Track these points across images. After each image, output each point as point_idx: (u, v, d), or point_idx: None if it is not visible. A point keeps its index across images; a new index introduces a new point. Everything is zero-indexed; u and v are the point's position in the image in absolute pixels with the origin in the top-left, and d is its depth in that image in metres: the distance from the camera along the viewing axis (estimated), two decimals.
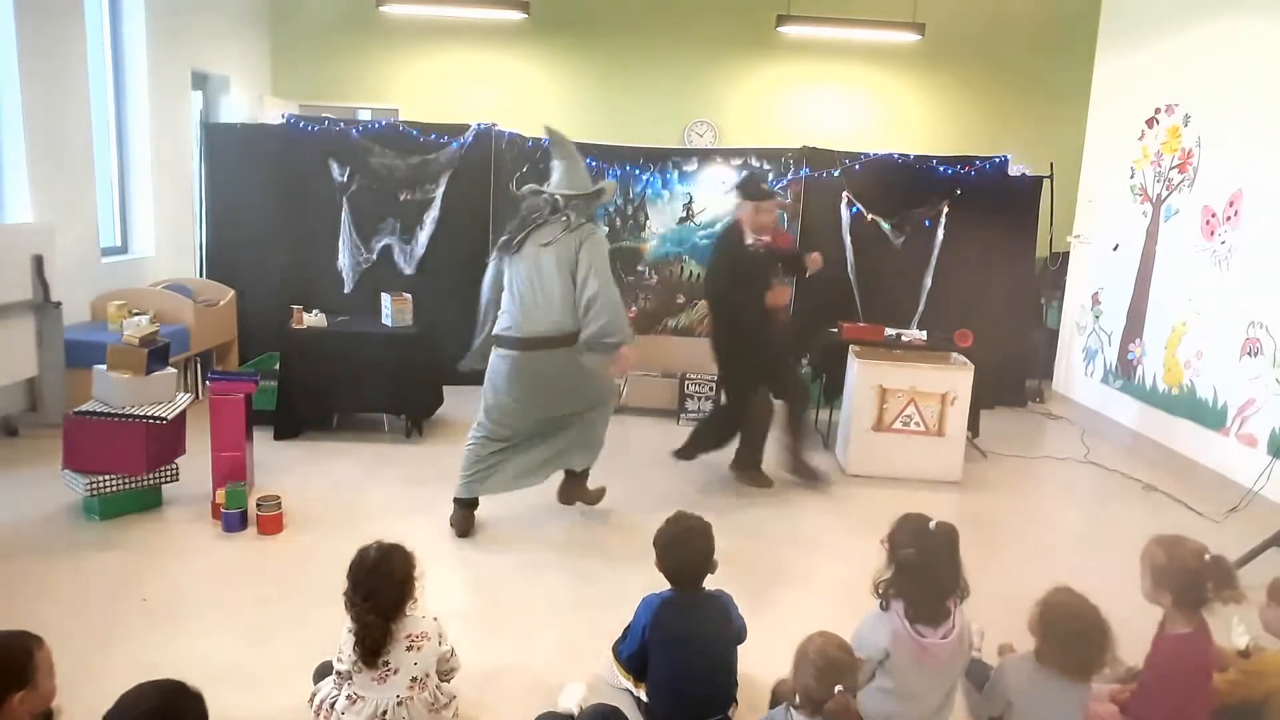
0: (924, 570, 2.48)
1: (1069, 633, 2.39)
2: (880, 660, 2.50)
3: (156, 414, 4.16)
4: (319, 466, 4.98)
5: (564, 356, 3.97)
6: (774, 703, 2.65)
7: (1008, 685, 2.49)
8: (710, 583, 2.83)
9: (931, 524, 2.53)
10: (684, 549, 2.78)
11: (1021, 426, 6.62)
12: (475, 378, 6.75)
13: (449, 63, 9.16)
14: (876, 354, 5.41)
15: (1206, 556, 2.52)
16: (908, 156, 7.10)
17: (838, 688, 2.15)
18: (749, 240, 4.80)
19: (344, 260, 6.83)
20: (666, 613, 2.72)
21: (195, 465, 4.39)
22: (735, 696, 2.78)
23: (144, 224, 6.87)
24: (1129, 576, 2.74)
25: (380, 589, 2.44)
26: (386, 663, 2.45)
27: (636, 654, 2.78)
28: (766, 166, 7.21)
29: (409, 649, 2.48)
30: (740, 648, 2.83)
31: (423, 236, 6.82)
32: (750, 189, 4.91)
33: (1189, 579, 2.50)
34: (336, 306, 6.13)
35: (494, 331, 4.10)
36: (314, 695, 2.59)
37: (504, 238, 4.10)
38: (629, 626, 2.88)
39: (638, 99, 9.05)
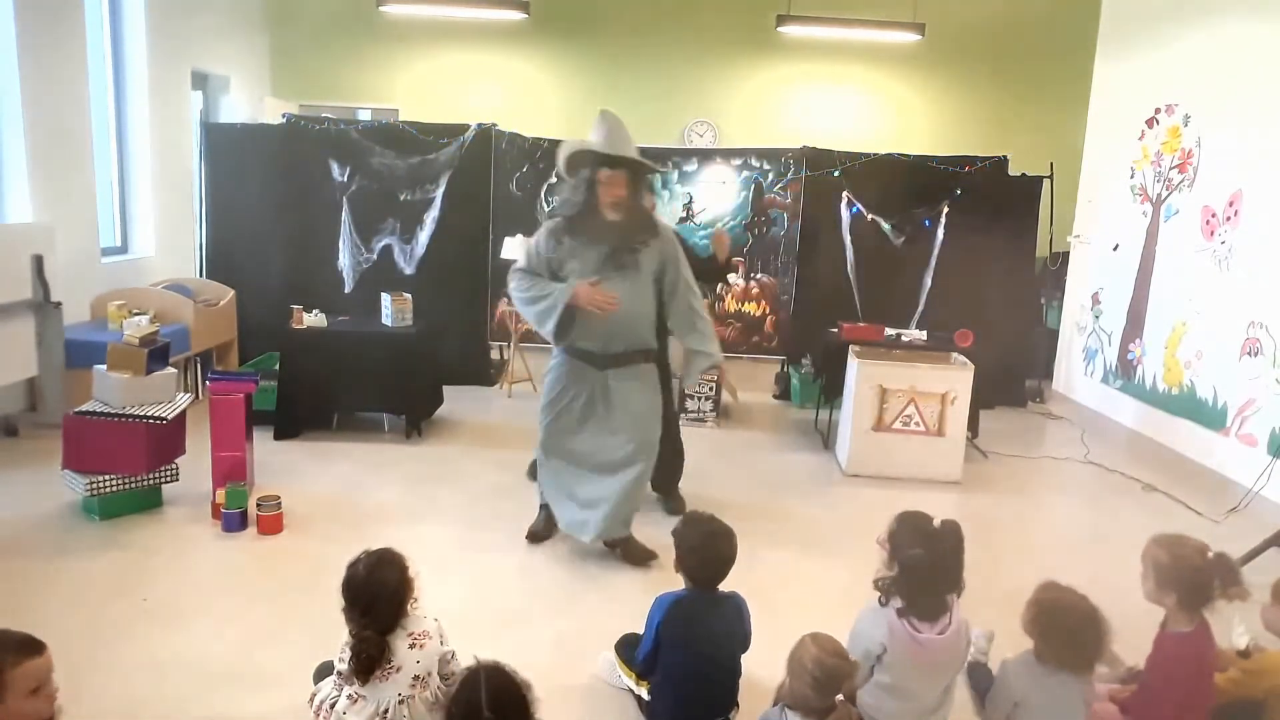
0: (932, 571, 2.46)
1: (1065, 628, 2.40)
2: (878, 655, 2.50)
3: (156, 414, 4.16)
4: (319, 466, 4.98)
5: None
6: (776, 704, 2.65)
7: (1012, 687, 2.49)
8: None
9: (936, 523, 2.52)
10: (709, 552, 2.73)
11: (1021, 426, 6.62)
12: (475, 378, 6.89)
13: (449, 63, 9.17)
14: (876, 354, 5.41)
15: (1209, 554, 2.52)
16: (908, 156, 7.11)
17: (839, 697, 2.14)
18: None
19: (344, 260, 6.84)
20: (681, 610, 2.68)
21: (195, 465, 4.39)
22: (737, 699, 2.77)
23: (144, 224, 6.88)
24: (1130, 576, 2.73)
25: (375, 604, 2.42)
26: (389, 661, 2.44)
27: (651, 654, 2.74)
28: (766, 166, 7.22)
29: (412, 646, 2.48)
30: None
31: (423, 236, 6.83)
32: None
33: (1195, 577, 2.49)
34: (336, 306, 6.12)
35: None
36: (314, 695, 2.58)
37: None
38: (641, 633, 2.83)
39: (638, 99, 9.05)
